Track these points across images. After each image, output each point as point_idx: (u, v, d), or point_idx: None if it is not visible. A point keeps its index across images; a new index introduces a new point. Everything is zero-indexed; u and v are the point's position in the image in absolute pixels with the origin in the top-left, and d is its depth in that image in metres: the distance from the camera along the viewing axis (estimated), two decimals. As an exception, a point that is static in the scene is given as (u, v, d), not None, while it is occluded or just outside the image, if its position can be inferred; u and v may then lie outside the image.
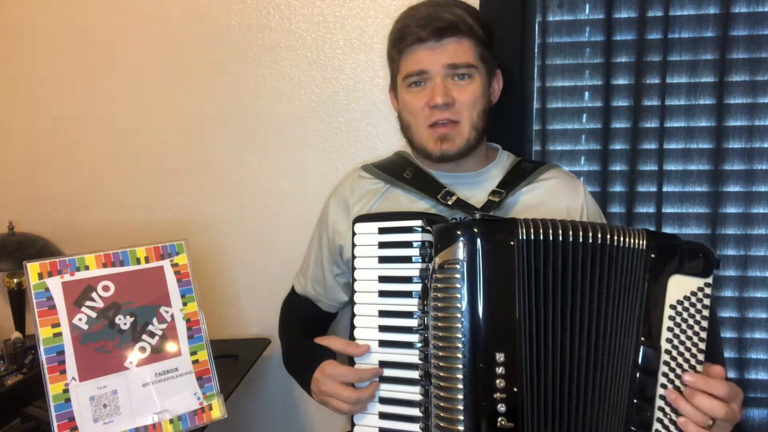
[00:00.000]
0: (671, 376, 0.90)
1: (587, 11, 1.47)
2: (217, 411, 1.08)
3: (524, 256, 0.90)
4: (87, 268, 1.03)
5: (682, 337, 0.91)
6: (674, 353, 0.91)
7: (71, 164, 1.62)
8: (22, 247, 1.52)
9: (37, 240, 1.57)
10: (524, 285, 0.90)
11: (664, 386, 0.90)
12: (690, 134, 1.47)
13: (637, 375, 0.91)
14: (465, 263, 0.89)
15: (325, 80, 1.52)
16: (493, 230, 0.92)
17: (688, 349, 0.91)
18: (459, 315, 0.89)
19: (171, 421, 1.03)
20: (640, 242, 0.93)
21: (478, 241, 0.89)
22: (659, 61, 1.44)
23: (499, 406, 0.88)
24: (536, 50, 1.47)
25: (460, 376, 0.89)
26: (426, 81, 1.13)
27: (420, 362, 0.98)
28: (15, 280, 1.53)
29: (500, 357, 0.88)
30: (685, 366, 0.90)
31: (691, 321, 0.91)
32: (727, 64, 1.42)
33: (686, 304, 0.91)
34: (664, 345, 0.91)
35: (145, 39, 1.55)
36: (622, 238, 0.92)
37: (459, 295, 0.89)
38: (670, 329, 0.91)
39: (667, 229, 1.50)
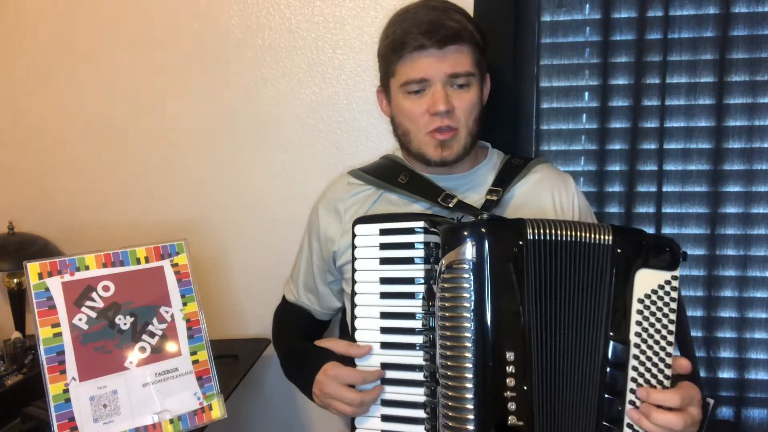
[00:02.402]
0: (641, 369, 0.92)
1: (586, 11, 1.47)
2: (217, 411, 1.08)
3: (532, 256, 0.91)
4: (87, 268, 1.03)
5: (651, 331, 0.92)
6: (643, 347, 0.92)
7: (71, 164, 1.62)
8: (22, 247, 1.52)
9: (37, 240, 1.57)
10: (532, 284, 0.91)
11: (634, 380, 0.92)
12: (690, 134, 1.47)
13: (608, 370, 0.92)
14: (473, 263, 0.89)
15: (325, 80, 1.52)
16: (501, 230, 0.92)
17: (657, 342, 0.92)
18: (468, 315, 0.89)
19: (171, 421, 1.04)
20: (606, 238, 0.94)
21: (486, 241, 0.90)
22: (659, 61, 1.44)
23: (509, 404, 0.88)
24: (535, 50, 1.47)
25: (470, 376, 0.89)
26: (425, 87, 1.12)
27: (424, 363, 0.98)
28: (15, 280, 1.53)
29: (510, 356, 0.89)
30: (655, 359, 0.92)
31: (659, 314, 0.92)
32: (727, 64, 1.42)
33: (654, 297, 0.93)
34: (633, 339, 0.92)
35: (145, 39, 1.55)
36: (593, 235, 0.94)
37: (467, 295, 0.89)
38: (638, 323, 0.92)
39: (667, 229, 1.50)
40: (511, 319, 0.90)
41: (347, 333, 1.05)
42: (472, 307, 0.89)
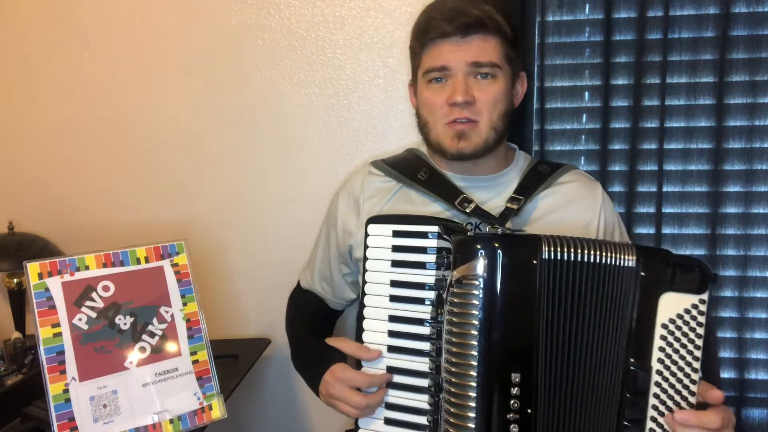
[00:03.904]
0: (663, 397, 0.89)
1: (587, 11, 1.47)
2: (217, 411, 1.08)
3: (545, 276, 0.88)
4: (87, 268, 1.03)
5: (675, 357, 0.88)
6: (666, 373, 0.88)
7: (71, 164, 1.62)
8: (22, 247, 1.52)
9: (37, 240, 1.57)
10: (544, 305, 0.88)
11: (655, 407, 0.89)
12: (690, 134, 1.47)
13: (627, 396, 0.89)
14: (484, 279, 0.87)
15: (325, 80, 1.52)
16: (516, 247, 0.89)
17: (681, 369, 0.88)
18: (475, 332, 0.87)
19: (171, 421, 1.03)
20: (630, 259, 0.89)
21: (499, 257, 0.87)
22: (659, 61, 1.44)
23: (512, 426, 0.86)
24: (536, 50, 1.47)
25: (473, 394, 0.87)
26: (447, 77, 1.09)
27: (430, 372, 0.97)
28: (15, 280, 1.53)
29: (516, 378, 0.86)
30: (678, 386, 0.88)
31: (684, 340, 0.88)
32: (727, 64, 1.42)
33: (679, 322, 0.88)
34: (656, 365, 0.88)
35: (146, 39, 1.55)
36: (616, 255, 0.90)
37: (476, 312, 0.87)
38: (661, 349, 0.88)
39: (667, 229, 1.50)
40: (519, 339, 0.88)
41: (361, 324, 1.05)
42: (480, 325, 0.86)
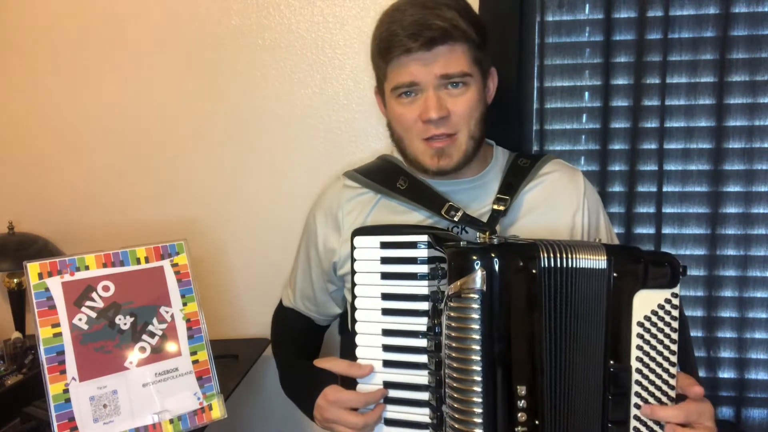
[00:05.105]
0: (644, 394, 0.88)
1: (587, 11, 1.47)
2: (217, 411, 1.08)
3: (545, 284, 0.87)
4: (87, 268, 1.02)
5: (653, 354, 0.88)
6: (645, 371, 0.88)
7: (71, 164, 1.62)
8: (22, 247, 1.52)
9: (37, 240, 1.57)
10: (545, 314, 0.87)
11: (637, 406, 0.89)
12: (690, 134, 1.47)
13: (610, 397, 0.88)
14: (483, 293, 0.85)
15: (325, 80, 1.52)
16: (513, 256, 0.87)
17: (659, 365, 0.88)
18: (476, 347, 0.85)
19: (171, 421, 1.03)
20: (602, 259, 0.88)
21: (497, 269, 0.85)
22: (659, 61, 1.44)
23: None
24: (536, 50, 1.47)
25: (479, 410, 0.85)
26: (417, 92, 1.04)
27: (429, 385, 0.95)
28: (15, 280, 1.53)
29: (522, 390, 0.85)
30: (658, 382, 0.88)
31: (660, 335, 0.88)
32: (727, 64, 1.42)
33: (654, 319, 0.88)
34: (635, 364, 0.88)
35: (146, 39, 1.55)
36: (590, 257, 0.89)
37: (476, 326, 0.85)
38: (639, 347, 0.88)
39: (667, 229, 1.50)
40: (523, 351, 0.86)
41: (347, 338, 1.03)
42: (482, 339, 0.85)
